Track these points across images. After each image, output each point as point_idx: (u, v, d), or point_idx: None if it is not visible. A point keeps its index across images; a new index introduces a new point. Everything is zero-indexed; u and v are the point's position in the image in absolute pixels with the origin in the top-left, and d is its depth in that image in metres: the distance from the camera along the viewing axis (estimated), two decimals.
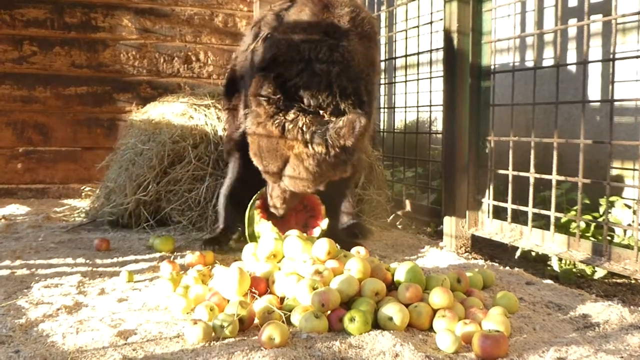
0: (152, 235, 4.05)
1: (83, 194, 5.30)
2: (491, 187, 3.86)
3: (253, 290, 2.55)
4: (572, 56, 4.33)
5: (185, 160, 4.52)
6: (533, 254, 3.76)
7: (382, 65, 6.47)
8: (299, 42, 3.10)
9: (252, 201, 3.46)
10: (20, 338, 2.26)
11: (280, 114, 2.97)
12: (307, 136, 2.95)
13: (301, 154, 2.99)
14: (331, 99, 3.00)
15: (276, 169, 3.09)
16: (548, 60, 4.52)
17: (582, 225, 3.54)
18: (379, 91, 3.95)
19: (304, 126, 2.95)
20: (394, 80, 5.85)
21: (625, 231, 3.62)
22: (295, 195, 3.26)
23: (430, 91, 4.85)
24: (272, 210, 3.30)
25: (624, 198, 3.83)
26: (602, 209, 3.73)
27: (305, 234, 3.08)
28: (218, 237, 3.75)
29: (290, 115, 2.96)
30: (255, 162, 3.21)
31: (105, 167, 4.96)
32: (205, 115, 4.69)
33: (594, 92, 4.12)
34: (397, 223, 4.67)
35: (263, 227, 3.33)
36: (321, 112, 3.00)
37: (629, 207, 3.77)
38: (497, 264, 3.55)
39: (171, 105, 4.98)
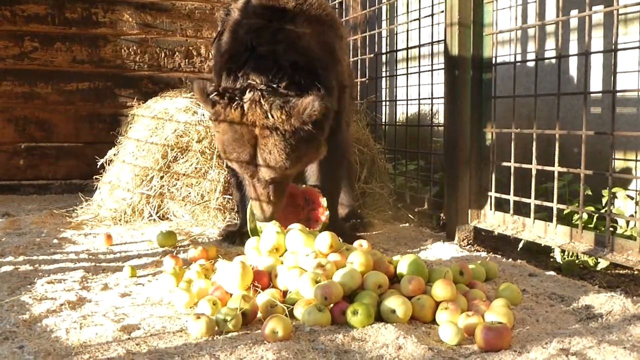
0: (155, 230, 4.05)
1: (85, 189, 5.30)
2: (493, 179, 3.85)
3: (256, 284, 2.56)
4: (573, 47, 4.32)
5: (188, 155, 4.52)
6: (536, 245, 3.76)
7: (384, 58, 6.47)
8: (243, 34, 3.22)
9: None
10: (24, 333, 2.26)
11: (236, 99, 3.03)
12: (266, 107, 2.98)
13: (264, 129, 3.01)
14: (283, 73, 3.06)
15: (247, 156, 3.08)
16: (550, 52, 4.51)
17: (585, 216, 3.54)
18: (349, 78, 4.00)
19: (261, 99, 2.99)
20: (395, 73, 5.83)
21: (627, 222, 3.62)
22: (280, 190, 3.24)
23: (432, 84, 4.84)
24: (259, 213, 3.22)
25: (626, 189, 3.82)
26: (604, 200, 3.73)
27: (307, 228, 3.08)
28: (236, 232, 3.78)
29: (247, 96, 3.02)
30: (227, 160, 3.25)
31: (108, 162, 4.96)
32: None
33: (596, 83, 4.11)
34: (399, 216, 4.67)
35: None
36: (275, 86, 3.04)
37: (632, 198, 3.77)
38: (499, 256, 3.55)
39: (174, 101, 4.98)
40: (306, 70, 3.11)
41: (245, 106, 3.01)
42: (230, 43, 3.32)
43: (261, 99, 3.00)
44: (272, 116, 2.97)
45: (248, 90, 3.03)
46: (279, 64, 3.08)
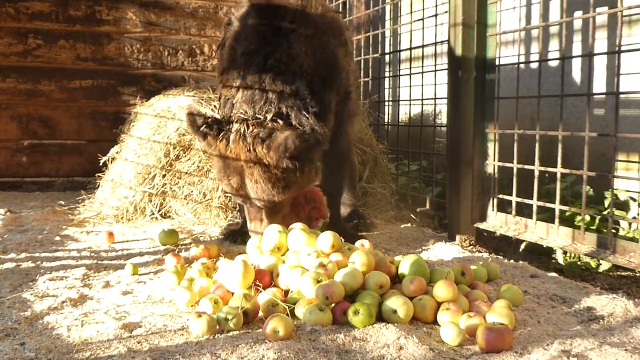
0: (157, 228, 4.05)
1: (88, 187, 5.31)
2: (496, 180, 3.85)
3: (257, 283, 2.56)
4: (577, 49, 4.31)
5: (191, 153, 4.52)
6: (537, 247, 3.76)
7: (387, 58, 6.46)
8: (238, 56, 3.25)
9: None
10: (26, 330, 2.27)
11: (224, 130, 3.07)
12: (249, 140, 3.01)
13: (247, 162, 3.04)
14: (269, 104, 3.08)
15: (237, 185, 3.12)
16: (553, 53, 4.51)
17: (587, 218, 3.53)
18: (354, 82, 3.97)
19: (246, 132, 3.02)
20: (398, 73, 5.84)
21: (630, 224, 3.62)
22: (275, 214, 3.23)
23: (435, 84, 4.84)
24: (253, 234, 3.22)
25: (629, 191, 3.82)
26: (607, 202, 3.72)
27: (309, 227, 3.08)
28: (238, 231, 3.78)
29: (234, 128, 3.05)
30: (222, 185, 3.29)
31: (110, 160, 4.97)
32: (212, 109, 4.69)
33: (599, 84, 4.10)
34: (402, 216, 4.67)
35: None
36: (262, 118, 3.06)
37: (634, 199, 3.76)
38: (501, 257, 3.55)
39: (177, 99, 4.98)
40: (293, 99, 3.11)
41: (231, 138, 3.04)
42: (227, 62, 3.34)
43: (246, 131, 3.02)
44: (255, 149, 2.99)
45: (235, 121, 3.07)
46: (265, 95, 3.10)
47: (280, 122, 3.04)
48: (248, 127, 3.02)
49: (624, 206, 3.78)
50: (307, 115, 3.08)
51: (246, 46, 3.24)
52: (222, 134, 3.06)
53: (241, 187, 3.12)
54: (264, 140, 2.98)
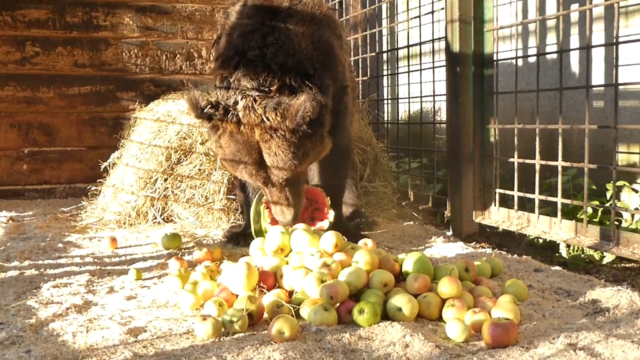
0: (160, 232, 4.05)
1: (89, 193, 5.31)
2: (497, 175, 3.85)
3: (261, 284, 2.56)
4: (575, 41, 4.31)
5: (192, 157, 4.52)
6: (541, 241, 3.75)
7: (385, 56, 6.46)
8: (235, 38, 3.23)
9: (257, 197, 3.46)
10: (31, 338, 2.27)
11: (230, 109, 3.02)
12: (260, 111, 2.98)
13: (264, 133, 3.00)
14: (272, 76, 3.06)
15: (255, 164, 3.08)
16: (551, 47, 4.51)
17: (590, 211, 3.53)
18: (351, 78, 3.96)
19: (254, 105, 2.99)
20: (397, 71, 5.84)
21: (632, 215, 3.61)
22: (297, 190, 3.23)
23: (433, 81, 4.84)
24: (282, 217, 3.21)
25: (631, 183, 3.81)
26: (608, 194, 3.72)
27: (312, 227, 3.08)
28: (240, 233, 3.78)
29: (240, 105, 3.01)
30: (236, 173, 3.25)
31: (111, 165, 4.97)
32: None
33: (597, 77, 4.10)
34: (404, 214, 4.67)
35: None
36: (266, 89, 3.04)
37: (636, 191, 3.76)
38: (504, 252, 3.55)
39: (176, 103, 4.98)
40: (296, 72, 3.11)
41: (240, 114, 3.00)
42: (224, 47, 3.33)
43: (254, 104, 2.99)
44: (268, 119, 2.96)
45: (240, 98, 3.03)
46: (268, 68, 3.08)
47: (287, 92, 3.04)
48: (255, 101, 3.00)
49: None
50: (310, 85, 3.09)
51: (243, 29, 3.24)
52: (230, 114, 3.02)
53: (259, 166, 3.09)
54: (276, 109, 2.96)
